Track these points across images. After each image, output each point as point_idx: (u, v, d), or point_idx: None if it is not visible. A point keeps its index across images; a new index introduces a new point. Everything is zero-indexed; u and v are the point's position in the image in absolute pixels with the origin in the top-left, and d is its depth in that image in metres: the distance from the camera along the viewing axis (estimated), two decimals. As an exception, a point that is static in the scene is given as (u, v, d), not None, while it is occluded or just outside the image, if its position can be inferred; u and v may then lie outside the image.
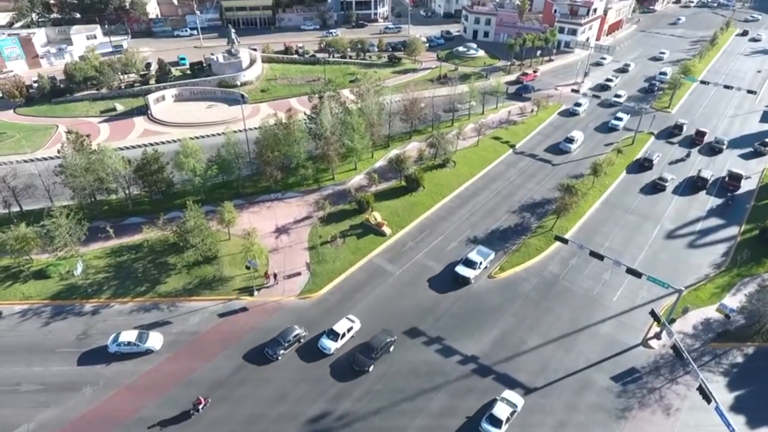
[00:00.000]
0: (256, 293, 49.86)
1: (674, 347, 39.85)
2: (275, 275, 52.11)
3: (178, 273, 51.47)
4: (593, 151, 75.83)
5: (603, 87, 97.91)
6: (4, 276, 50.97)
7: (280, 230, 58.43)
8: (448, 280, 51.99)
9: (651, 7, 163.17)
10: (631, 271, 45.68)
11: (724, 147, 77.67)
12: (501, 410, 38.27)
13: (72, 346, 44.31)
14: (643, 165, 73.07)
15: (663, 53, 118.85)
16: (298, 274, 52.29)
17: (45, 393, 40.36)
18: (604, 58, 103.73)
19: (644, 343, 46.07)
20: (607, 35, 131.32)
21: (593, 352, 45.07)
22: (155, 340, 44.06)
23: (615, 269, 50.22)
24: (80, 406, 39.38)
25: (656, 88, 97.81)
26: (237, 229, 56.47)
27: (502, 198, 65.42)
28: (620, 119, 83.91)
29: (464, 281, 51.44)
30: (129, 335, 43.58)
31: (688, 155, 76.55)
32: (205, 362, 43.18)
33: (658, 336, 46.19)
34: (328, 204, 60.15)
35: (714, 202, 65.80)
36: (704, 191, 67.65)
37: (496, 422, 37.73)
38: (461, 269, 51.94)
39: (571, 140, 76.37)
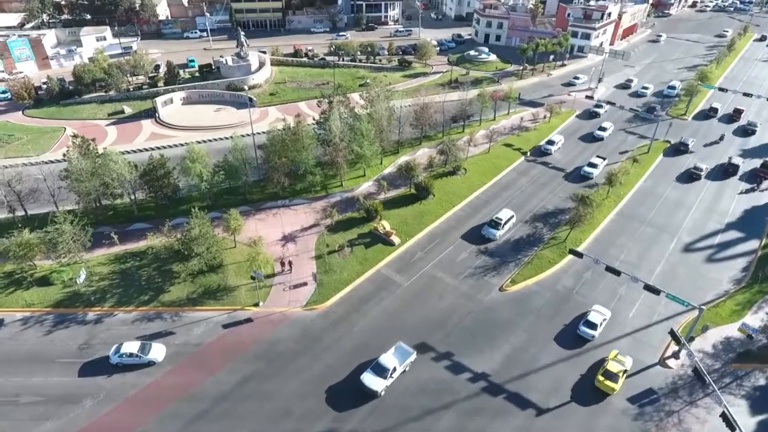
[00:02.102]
0: (261, 304, 48.75)
1: (695, 370, 38.17)
2: (290, 263, 52.24)
3: (183, 281, 50.47)
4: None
5: (592, 114, 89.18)
6: (7, 282, 50.25)
7: (287, 238, 57.30)
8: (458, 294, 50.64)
9: (666, 12, 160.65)
10: (649, 288, 43.97)
11: (757, 129, 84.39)
12: (595, 317, 46.01)
13: (73, 356, 43.39)
14: (679, 149, 78.26)
15: (630, 81, 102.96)
16: (305, 284, 51.10)
17: (45, 405, 39.41)
18: (600, 106, 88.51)
19: (662, 362, 44.38)
20: (620, 40, 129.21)
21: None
22: (158, 351, 43.05)
23: (631, 283, 48.56)
24: (80, 420, 38.38)
25: (655, 112, 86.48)
26: (243, 237, 55.38)
27: (513, 207, 63.69)
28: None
29: (371, 395, 40.11)
30: (131, 346, 42.60)
31: (721, 138, 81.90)
32: (208, 375, 42.07)
33: (676, 355, 44.47)
34: (336, 212, 58.97)
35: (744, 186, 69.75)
36: (736, 177, 71.67)
37: (592, 326, 45.52)
38: (368, 379, 40.40)
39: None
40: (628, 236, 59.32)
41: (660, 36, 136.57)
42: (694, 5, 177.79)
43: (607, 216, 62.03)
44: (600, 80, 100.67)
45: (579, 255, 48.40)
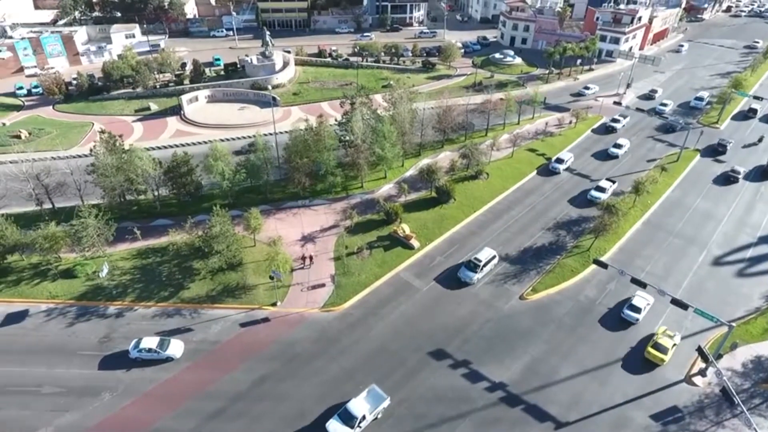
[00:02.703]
0: (278, 304, 48.74)
1: (724, 390, 36.76)
2: (311, 258, 52.82)
3: (202, 279, 50.80)
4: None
5: (609, 129, 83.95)
6: (33, 273, 51.26)
7: (306, 238, 57.25)
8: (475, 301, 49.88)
9: (699, 16, 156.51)
10: (676, 302, 42.53)
11: None
12: (639, 301, 48.08)
13: (94, 349, 44.00)
14: (717, 150, 77.71)
15: (654, 91, 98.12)
16: (323, 285, 50.96)
17: (65, 396, 40.02)
18: (618, 121, 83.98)
19: (688, 379, 42.93)
20: (651, 44, 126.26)
21: (631, 386, 42.19)
22: (176, 347, 43.35)
23: (657, 296, 47.15)
24: (98, 413, 38.84)
25: (678, 127, 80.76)
26: (263, 236, 55.52)
27: (536, 214, 62.73)
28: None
29: None
30: (150, 342, 42.98)
31: (760, 139, 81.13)
32: (224, 373, 42.20)
33: (703, 372, 42.99)
34: (356, 213, 58.70)
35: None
36: None
37: (636, 309, 47.52)
38: (334, 427, 37.14)
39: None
40: (655, 247, 57.67)
41: (682, 46, 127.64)
42: (728, 10, 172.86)
43: (633, 225, 60.42)
44: (629, 86, 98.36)
45: (603, 265, 47.13)
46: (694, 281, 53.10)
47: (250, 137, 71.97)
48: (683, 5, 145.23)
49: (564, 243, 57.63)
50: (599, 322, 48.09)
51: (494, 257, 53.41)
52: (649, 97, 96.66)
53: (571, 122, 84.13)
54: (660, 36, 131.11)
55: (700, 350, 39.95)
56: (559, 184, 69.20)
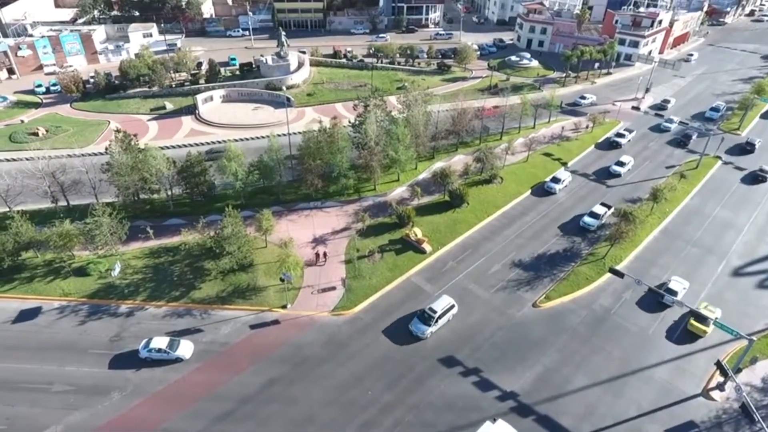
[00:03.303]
0: (289, 306, 48.52)
1: (743, 406, 35.65)
2: (325, 254, 53.31)
3: (213, 279, 50.79)
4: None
5: (613, 144, 78.79)
6: (46, 270, 51.72)
7: (318, 241, 56.99)
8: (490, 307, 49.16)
9: (721, 20, 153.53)
10: (695, 315, 41.42)
11: None
12: (676, 285, 49.73)
13: (105, 347, 44.18)
14: (745, 149, 77.64)
15: (667, 101, 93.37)
16: (333, 288, 50.64)
17: (75, 395, 40.20)
18: (623, 135, 79.44)
19: (705, 393, 41.77)
20: (671, 48, 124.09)
21: (646, 399, 41.18)
22: (185, 348, 43.33)
23: (674, 307, 46.03)
24: (107, 412, 38.94)
25: (690, 139, 78.71)
26: (274, 237, 55.43)
27: (551, 220, 61.76)
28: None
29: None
30: (160, 342, 43.01)
31: None
32: (233, 375, 42.07)
33: (721, 387, 41.80)
34: (368, 216, 58.30)
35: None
36: None
37: (673, 293, 48.22)
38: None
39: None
40: (672, 256, 56.38)
41: (691, 55, 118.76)
42: (751, 14, 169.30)
43: (650, 234, 59.18)
44: (647, 90, 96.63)
45: (620, 275, 46.07)
46: (712, 292, 51.73)
47: (264, 137, 72.04)
48: (705, 9, 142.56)
49: (578, 250, 56.63)
50: (636, 303, 49.91)
51: (452, 306, 46.94)
52: (661, 107, 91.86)
53: (588, 127, 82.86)
54: (680, 40, 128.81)
55: (719, 365, 38.84)
56: (575, 190, 68.03)
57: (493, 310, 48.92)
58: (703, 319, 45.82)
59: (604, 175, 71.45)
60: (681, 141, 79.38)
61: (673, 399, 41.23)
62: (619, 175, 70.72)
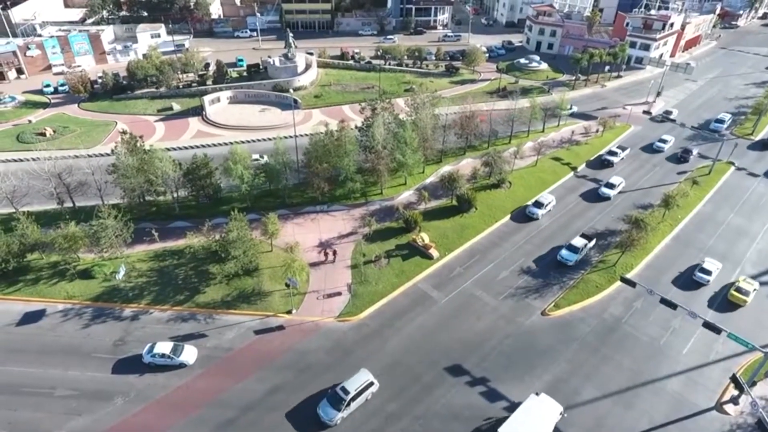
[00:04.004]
0: (294, 311, 47.98)
1: (759, 422, 34.65)
2: (335, 252, 53.30)
3: (218, 283, 50.31)
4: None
5: (604, 163, 73.72)
6: (51, 273, 51.43)
7: (324, 245, 56.38)
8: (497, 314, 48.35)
9: (733, 23, 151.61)
10: (708, 326, 40.43)
11: None
12: (710, 265, 52.63)
13: (108, 352, 43.78)
14: (765, 144, 79.11)
15: (669, 113, 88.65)
16: (339, 294, 50.03)
17: (78, 400, 39.79)
18: (615, 154, 74.26)
19: (718, 407, 40.77)
20: (683, 52, 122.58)
21: (658, 412, 40.25)
22: (189, 353, 42.85)
23: (686, 317, 44.97)
24: (110, 418, 38.48)
25: (690, 154, 74.80)
26: (280, 241, 54.91)
27: (560, 226, 60.83)
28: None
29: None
30: (164, 347, 42.55)
31: None
32: (237, 382, 41.52)
33: (735, 400, 40.79)
34: (374, 221, 57.66)
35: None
36: None
37: (707, 272, 52.17)
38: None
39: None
40: (684, 264, 55.30)
41: (689, 64, 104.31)
42: (764, 17, 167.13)
43: (661, 241, 58.15)
44: (659, 94, 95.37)
45: (631, 284, 45.13)
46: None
47: (270, 139, 71.63)
48: (717, 11, 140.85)
49: (589, 257, 55.66)
50: (672, 282, 52.59)
51: (370, 384, 39.90)
52: (663, 119, 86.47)
53: (597, 131, 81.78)
54: (692, 43, 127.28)
55: (735, 379, 37.84)
56: (586, 195, 67.00)
57: (501, 318, 48.12)
58: (743, 290, 49.89)
59: (593, 196, 66.61)
60: (681, 157, 75.05)
61: (685, 412, 40.30)
62: (608, 198, 65.53)
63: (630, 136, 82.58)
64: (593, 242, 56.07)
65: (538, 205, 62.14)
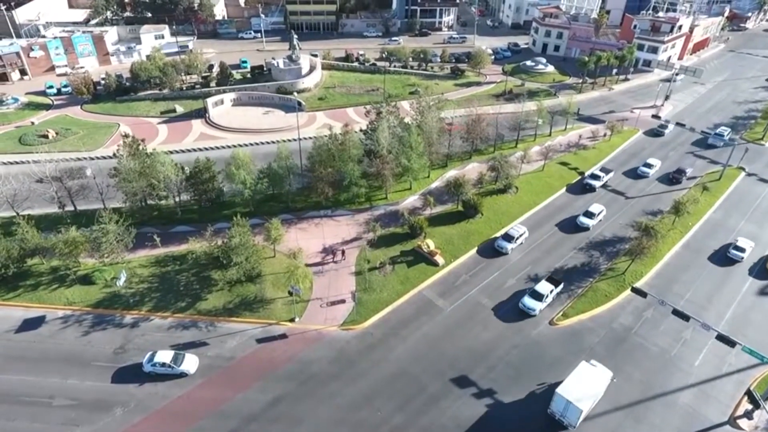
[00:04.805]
0: (297, 320, 47.13)
1: (777, 441, 33.58)
2: (343, 252, 53.53)
3: (220, 290, 49.49)
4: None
5: (586, 188, 67.62)
6: (51, 278, 50.74)
7: (328, 251, 55.53)
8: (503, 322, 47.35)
9: (741, 25, 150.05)
10: (722, 339, 39.45)
11: None
12: (744, 243, 55.60)
13: (108, 360, 43.03)
14: None
15: (664, 126, 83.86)
16: (343, 301, 49.14)
17: (77, 410, 39.04)
18: (597, 177, 68.11)
19: (732, 421, 39.72)
20: (690, 54, 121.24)
21: (669, 426, 39.25)
22: (190, 363, 42.05)
23: (698, 327, 43.88)
24: (109, 429, 37.72)
25: (683, 174, 69.55)
26: (283, 246, 54.05)
27: (567, 232, 59.76)
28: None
29: None
30: (165, 356, 41.77)
31: None
32: (238, 392, 40.71)
33: (749, 415, 39.76)
34: (379, 226, 56.75)
35: None
36: None
37: (741, 250, 54.66)
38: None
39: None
40: (695, 273, 54.27)
41: (677, 75, 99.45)
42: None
43: (671, 248, 57.07)
44: (667, 98, 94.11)
45: (642, 294, 44.11)
46: (738, 312, 49.62)
47: (274, 143, 70.94)
48: (725, 14, 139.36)
49: (597, 265, 54.67)
50: (708, 259, 55.70)
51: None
52: (657, 133, 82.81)
53: (605, 135, 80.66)
54: (700, 46, 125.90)
55: (750, 395, 36.81)
56: (593, 201, 65.86)
57: (507, 327, 47.17)
58: None
59: (571, 227, 60.57)
60: (673, 177, 69.53)
61: (697, 427, 39.33)
62: (587, 229, 59.63)
63: (634, 143, 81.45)
64: (560, 286, 49.90)
65: (508, 238, 56.01)
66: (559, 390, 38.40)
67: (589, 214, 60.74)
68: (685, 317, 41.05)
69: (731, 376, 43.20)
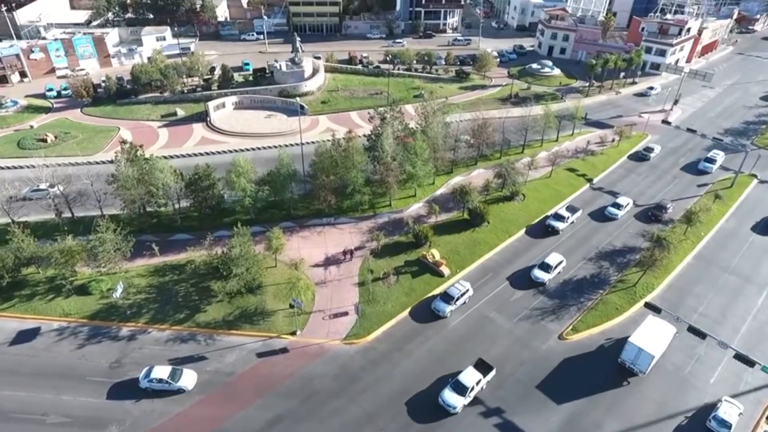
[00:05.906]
0: (298, 333, 45.77)
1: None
2: (352, 252, 53.81)
3: (220, 301, 48.12)
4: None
5: (548, 229, 59.46)
6: (47, 288, 49.47)
7: (330, 260, 54.18)
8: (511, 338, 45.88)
9: (750, 28, 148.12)
10: (740, 358, 37.93)
11: None
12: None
13: (104, 375, 41.74)
14: None
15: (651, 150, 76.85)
16: (346, 314, 47.76)
17: (71, 427, 37.81)
18: (561, 219, 59.64)
19: (750, 443, 38.21)
20: (699, 57, 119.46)
21: (685, 448, 37.79)
22: (188, 378, 40.73)
23: (711, 343, 42.37)
24: (103, 449, 36.48)
25: (664, 211, 62.04)
26: (285, 255, 52.75)
27: (576, 241, 58.27)
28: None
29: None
30: (162, 371, 40.43)
31: None
32: (238, 410, 39.39)
33: (768, 437, 38.20)
34: (383, 235, 55.36)
35: None
36: None
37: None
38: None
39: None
40: (708, 285, 52.69)
41: (651, 88, 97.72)
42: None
43: (683, 259, 55.48)
44: (676, 102, 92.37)
45: (657, 310, 42.61)
46: (753, 327, 48.05)
47: (275, 147, 69.50)
48: (734, 16, 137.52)
49: (607, 276, 53.15)
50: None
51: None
52: (642, 157, 75.92)
53: (613, 140, 79.09)
54: (709, 48, 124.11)
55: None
56: (597, 206, 64.38)
57: (515, 342, 45.69)
58: None
59: (525, 280, 52.25)
60: (652, 215, 62.27)
61: (714, 448, 37.77)
62: (543, 284, 51.91)
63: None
64: (493, 373, 41.57)
65: (448, 298, 48.06)
66: (631, 339, 42.16)
67: (545, 266, 52.32)
68: (702, 335, 39.56)
69: (748, 395, 41.66)
